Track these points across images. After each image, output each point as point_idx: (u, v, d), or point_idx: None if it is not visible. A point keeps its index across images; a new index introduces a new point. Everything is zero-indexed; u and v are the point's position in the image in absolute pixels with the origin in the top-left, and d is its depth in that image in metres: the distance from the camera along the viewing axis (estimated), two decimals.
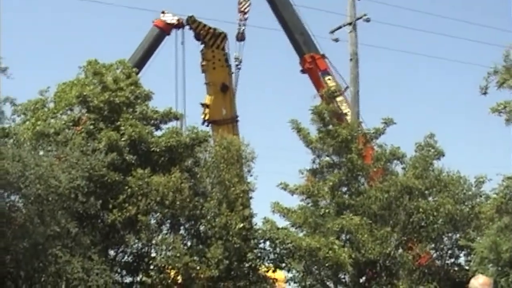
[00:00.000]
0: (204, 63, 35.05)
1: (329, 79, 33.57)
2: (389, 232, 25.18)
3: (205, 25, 34.59)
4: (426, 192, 26.09)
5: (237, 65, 36.14)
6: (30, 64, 70.41)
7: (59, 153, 22.82)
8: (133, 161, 24.58)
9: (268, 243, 25.99)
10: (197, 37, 34.90)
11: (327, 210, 25.90)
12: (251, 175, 27.27)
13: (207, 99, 35.29)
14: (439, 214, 25.13)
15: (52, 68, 69.38)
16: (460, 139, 73.22)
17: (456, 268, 26.81)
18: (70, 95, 25.90)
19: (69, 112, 26.11)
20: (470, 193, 26.63)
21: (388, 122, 27.27)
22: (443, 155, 26.99)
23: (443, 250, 26.91)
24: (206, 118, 34.85)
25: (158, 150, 25.30)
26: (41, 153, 23.13)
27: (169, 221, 25.53)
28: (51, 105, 26.44)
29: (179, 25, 34.65)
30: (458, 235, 26.21)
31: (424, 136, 27.28)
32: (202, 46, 35.02)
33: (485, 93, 21.75)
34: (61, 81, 26.71)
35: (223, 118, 35.16)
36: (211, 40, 34.72)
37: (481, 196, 26.75)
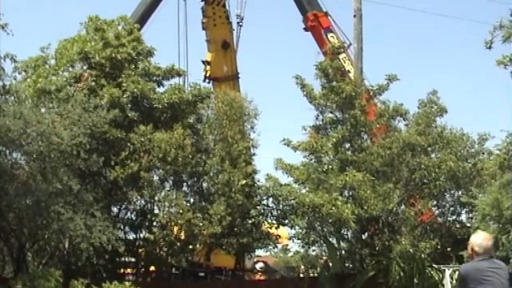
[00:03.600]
0: (204, 20, 34.60)
1: (332, 37, 33.03)
2: (392, 188, 24.82)
3: None
4: (429, 149, 25.82)
5: (238, 23, 35.74)
6: (31, 21, 69.51)
7: (60, 110, 22.65)
8: (135, 118, 24.52)
9: (271, 199, 25.84)
10: None
11: (330, 166, 25.60)
12: (254, 132, 27.29)
13: (208, 56, 34.94)
14: (441, 171, 24.77)
15: (53, 24, 68.60)
16: (464, 96, 72.50)
17: (458, 225, 26.77)
18: (71, 51, 25.64)
19: (70, 69, 25.91)
20: (472, 150, 26.27)
21: (391, 79, 26.69)
22: (446, 112, 26.49)
23: (445, 207, 26.81)
24: (207, 75, 34.53)
25: (160, 106, 25.18)
26: (42, 110, 22.96)
27: (171, 177, 25.44)
28: (52, 62, 26.21)
29: None
30: (460, 192, 25.98)
31: (427, 92, 26.97)
32: (203, 3, 34.59)
33: (490, 47, 21.34)
34: (62, 38, 26.40)
35: (224, 75, 34.79)
36: None
37: (483, 153, 26.47)
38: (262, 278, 33.67)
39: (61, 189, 21.17)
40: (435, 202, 26.69)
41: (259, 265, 34.66)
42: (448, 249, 26.49)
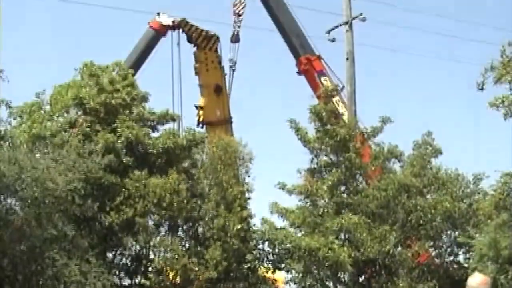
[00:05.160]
0: (197, 65, 35.21)
1: (325, 80, 33.71)
2: (388, 230, 25.05)
3: (197, 28, 34.70)
4: (424, 190, 26.17)
5: (231, 67, 36.41)
6: (26, 67, 70.34)
7: (55, 156, 22.81)
8: (130, 163, 24.70)
9: (267, 243, 25.94)
10: (190, 39, 35.02)
11: (325, 210, 25.82)
12: (248, 176, 27.28)
13: (201, 101, 35.49)
14: (437, 212, 25.10)
15: (48, 70, 69.52)
16: (458, 137, 73.25)
17: (455, 266, 26.43)
18: (66, 97, 25.98)
19: (65, 114, 26.19)
20: (468, 190, 26.57)
21: (385, 121, 27.24)
22: (441, 153, 27.11)
23: (442, 248, 26.82)
24: (201, 119, 35.04)
25: (155, 151, 25.51)
26: (37, 155, 23.15)
27: (167, 222, 25.60)
28: (47, 107, 26.53)
29: (174, 27, 34.65)
30: (456, 233, 26.18)
31: (421, 134, 27.43)
32: (195, 48, 35.20)
33: (482, 89, 21.76)
34: (57, 84, 26.78)
35: (218, 120, 35.31)
36: (203, 42, 34.85)
37: (479, 193, 26.67)
38: None
39: (56, 235, 21.38)
40: (432, 243, 26.65)
41: None
42: None
